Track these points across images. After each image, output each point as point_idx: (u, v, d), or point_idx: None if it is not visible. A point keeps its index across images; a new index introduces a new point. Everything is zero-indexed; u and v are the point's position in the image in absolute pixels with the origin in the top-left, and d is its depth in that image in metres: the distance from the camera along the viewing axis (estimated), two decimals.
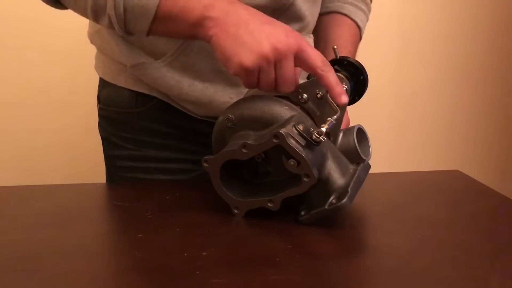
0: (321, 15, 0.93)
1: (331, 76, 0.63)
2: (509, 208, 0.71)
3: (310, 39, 0.88)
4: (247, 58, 0.61)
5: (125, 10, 0.66)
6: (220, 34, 0.62)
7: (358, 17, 0.94)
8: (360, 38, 0.96)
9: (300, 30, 0.85)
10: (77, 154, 1.60)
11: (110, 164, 0.91)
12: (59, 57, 1.53)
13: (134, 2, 0.65)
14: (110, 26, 0.69)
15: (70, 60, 1.53)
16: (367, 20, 0.98)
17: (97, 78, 0.91)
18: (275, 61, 0.62)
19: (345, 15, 0.94)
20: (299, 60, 0.63)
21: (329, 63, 0.64)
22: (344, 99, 0.64)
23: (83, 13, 0.71)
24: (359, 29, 0.95)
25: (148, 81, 0.82)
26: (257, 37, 0.61)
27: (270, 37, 0.61)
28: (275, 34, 0.61)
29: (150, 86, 0.83)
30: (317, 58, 0.63)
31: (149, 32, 0.68)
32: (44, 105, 1.57)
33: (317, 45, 0.94)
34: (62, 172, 1.60)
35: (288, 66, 0.62)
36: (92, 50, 0.91)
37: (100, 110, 0.91)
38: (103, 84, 0.90)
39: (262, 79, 0.63)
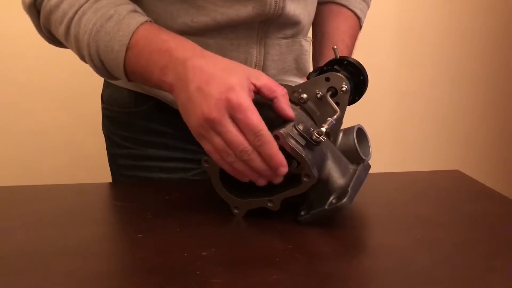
0: (318, 4, 0.91)
1: (265, 150, 0.58)
2: (509, 208, 0.71)
3: (306, 42, 0.87)
4: (188, 125, 0.62)
5: (102, 62, 0.67)
6: (178, 102, 0.63)
7: (357, 6, 0.92)
8: (360, 27, 0.93)
9: (295, 34, 0.83)
10: (78, 155, 1.61)
11: (112, 162, 0.92)
12: (64, 56, 1.53)
13: (106, 56, 0.66)
14: (95, 71, 0.71)
15: (74, 59, 1.53)
16: (368, 8, 0.95)
17: (101, 78, 0.92)
18: (212, 129, 0.59)
19: (343, 5, 0.92)
20: (236, 122, 0.58)
21: (260, 132, 0.58)
22: (280, 171, 0.59)
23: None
24: (358, 19, 0.92)
25: (144, 86, 0.83)
26: (195, 103, 0.59)
27: (203, 106, 0.59)
28: (207, 99, 0.58)
29: (147, 87, 0.83)
30: (248, 129, 0.58)
31: (129, 80, 0.69)
32: (46, 105, 1.58)
33: (314, 37, 0.92)
34: (63, 172, 1.60)
35: (224, 132, 0.58)
36: None
37: (103, 109, 0.92)
38: (106, 84, 0.91)
39: (213, 146, 0.60)
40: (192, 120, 0.61)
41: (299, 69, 0.85)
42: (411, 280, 0.51)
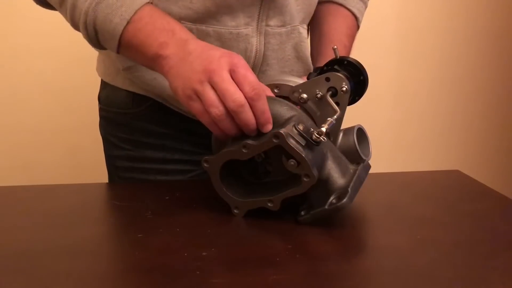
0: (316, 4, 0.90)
1: (258, 106, 0.61)
2: (509, 208, 0.71)
3: (304, 30, 0.85)
4: (180, 87, 0.64)
5: (96, 31, 0.70)
6: (171, 72, 0.66)
7: (354, 6, 0.92)
8: (358, 27, 0.93)
9: (293, 22, 0.82)
10: (77, 155, 1.60)
11: (110, 164, 0.92)
12: (61, 57, 1.53)
13: (103, 26, 0.69)
14: (86, 38, 0.73)
15: (72, 60, 1.53)
16: (366, 7, 0.95)
17: (98, 78, 0.92)
18: (208, 81, 0.62)
19: (341, 4, 0.91)
20: (233, 79, 0.62)
21: (257, 88, 0.62)
22: (267, 128, 0.62)
23: (66, 19, 0.74)
24: (356, 19, 0.92)
25: (141, 83, 0.82)
26: (193, 65, 0.64)
27: (205, 61, 0.63)
28: (210, 57, 0.64)
29: (145, 87, 0.83)
30: (245, 81, 0.62)
31: (118, 52, 0.71)
32: (45, 105, 1.57)
33: (312, 37, 0.92)
34: (63, 172, 1.60)
35: (220, 81, 0.61)
36: (94, 50, 0.91)
37: (100, 110, 0.92)
38: (103, 85, 0.91)
39: (204, 102, 0.62)
40: (186, 79, 0.63)
41: (299, 57, 0.85)
42: (411, 280, 0.51)
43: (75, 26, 0.72)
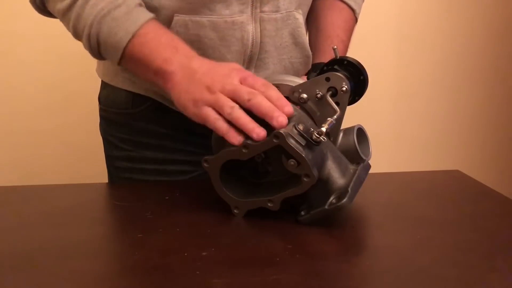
0: None
1: (272, 94, 0.63)
2: (509, 208, 0.71)
3: (300, 15, 0.84)
4: (190, 102, 0.66)
5: (98, 44, 0.72)
6: (176, 88, 0.67)
7: None
8: (356, 20, 0.92)
9: (289, 7, 0.81)
10: (77, 155, 1.60)
11: (109, 164, 0.91)
12: (61, 57, 1.53)
13: (107, 39, 0.71)
14: (86, 48, 0.74)
15: (72, 60, 1.53)
16: (363, 0, 0.94)
17: (99, 79, 0.92)
18: (220, 89, 0.64)
19: None
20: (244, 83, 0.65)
21: (269, 84, 0.65)
22: (288, 110, 0.62)
23: (67, 28, 0.76)
24: (353, 11, 0.91)
25: (140, 82, 0.82)
26: (202, 81, 0.65)
27: (214, 75, 0.65)
28: (219, 72, 0.66)
29: (144, 87, 0.83)
30: (258, 82, 0.64)
31: (119, 64, 0.73)
32: (45, 105, 1.57)
33: (309, 32, 0.91)
34: (63, 172, 1.60)
35: (232, 83, 0.64)
36: None
37: (100, 110, 0.91)
38: (103, 85, 0.91)
39: (217, 106, 0.63)
40: (197, 94, 0.65)
41: (296, 44, 0.84)
42: (411, 280, 0.51)
43: (78, 36, 0.74)
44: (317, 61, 0.85)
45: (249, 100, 0.62)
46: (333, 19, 0.89)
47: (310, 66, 0.86)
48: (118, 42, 0.70)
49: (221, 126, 0.63)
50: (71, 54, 1.51)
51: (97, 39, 0.71)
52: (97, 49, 0.73)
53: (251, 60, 0.81)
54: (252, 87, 0.64)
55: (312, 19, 0.91)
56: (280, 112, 0.61)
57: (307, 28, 0.92)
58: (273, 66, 0.83)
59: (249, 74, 0.66)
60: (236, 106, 0.62)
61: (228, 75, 0.65)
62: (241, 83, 0.65)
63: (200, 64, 0.67)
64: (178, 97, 0.67)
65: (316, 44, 0.89)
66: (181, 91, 0.67)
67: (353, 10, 0.91)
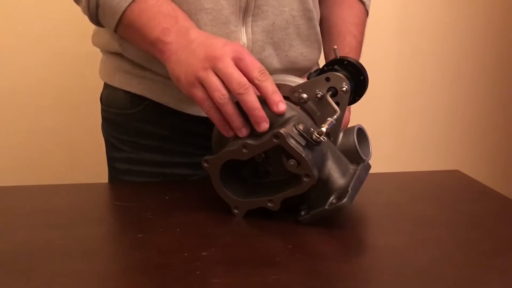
0: None
1: (268, 86, 0.62)
2: (509, 208, 0.71)
3: None
4: (182, 74, 0.64)
5: (97, 5, 0.70)
6: (171, 59, 0.66)
7: None
8: (367, 13, 0.91)
9: None
10: (78, 155, 1.60)
11: (110, 165, 0.91)
12: (64, 57, 1.53)
13: (106, 1, 0.70)
14: (85, 12, 0.74)
15: (75, 61, 1.53)
16: None
17: (101, 80, 0.92)
18: (212, 68, 0.63)
19: None
20: (237, 67, 0.63)
21: (266, 72, 0.63)
22: (281, 106, 0.62)
23: None
24: (363, 4, 0.90)
25: (136, 81, 0.82)
26: (196, 52, 0.64)
27: (208, 48, 0.64)
28: (213, 45, 0.64)
29: (140, 87, 0.82)
30: (254, 67, 0.63)
31: (115, 31, 0.72)
32: (45, 105, 1.57)
33: (321, 30, 0.88)
34: (63, 172, 1.60)
35: (225, 67, 0.62)
36: (97, 50, 0.91)
37: (102, 111, 0.91)
38: (105, 86, 0.91)
39: (207, 87, 0.63)
40: (188, 66, 0.64)
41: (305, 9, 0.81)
42: (411, 280, 0.51)
43: (77, 0, 0.73)
44: (330, 59, 0.84)
45: (239, 94, 0.61)
46: (344, 15, 0.89)
47: (311, 21, 0.83)
48: (116, 5, 0.69)
49: (214, 116, 0.63)
50: (75, 54, 1.51)
51: (96, 2, 0.70)
52: (95, 13, 0.71)
53: (248, 6, 0.76)
54: (248, 72, 0.62)
55: (323, 17, 0.90)
56: (265, 118, 0.61)
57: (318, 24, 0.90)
58: (274, 17, 0.78)
59: (245, 55, 0.63)
60: (227, 96, 0.62)
61: (222, 50, 0.63)
62: (236, 63, 0.63)
63: (197, 35, 0.66)
64: (173, 67, 0.66)
65: (328, 42, 0.88)
66: (175, 61, 0.66)
67: (363, 2, 0.90)
